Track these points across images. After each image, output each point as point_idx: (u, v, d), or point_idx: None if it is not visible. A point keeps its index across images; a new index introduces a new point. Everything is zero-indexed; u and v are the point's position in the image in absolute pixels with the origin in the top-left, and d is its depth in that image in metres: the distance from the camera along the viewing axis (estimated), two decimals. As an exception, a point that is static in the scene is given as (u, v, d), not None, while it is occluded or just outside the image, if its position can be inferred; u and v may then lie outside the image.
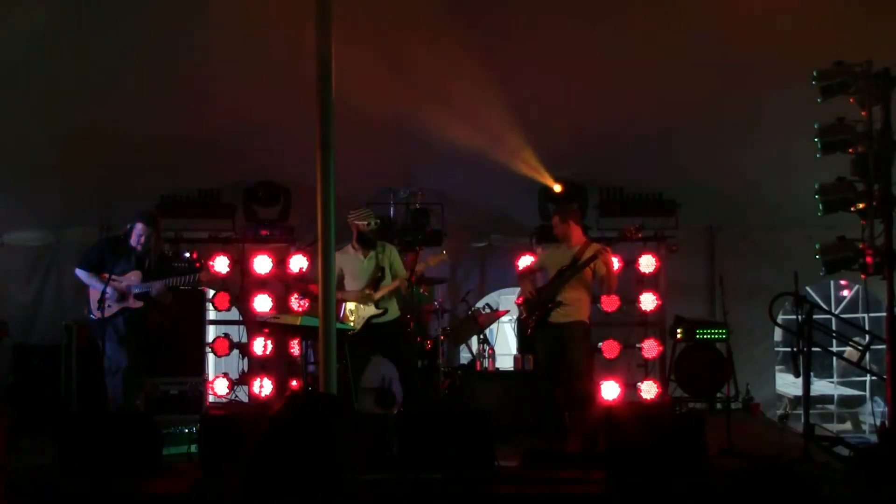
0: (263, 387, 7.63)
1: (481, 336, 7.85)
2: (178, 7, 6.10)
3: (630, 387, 7.78)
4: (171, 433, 5.88)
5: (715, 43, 6.32)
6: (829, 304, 10.03)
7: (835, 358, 9.46)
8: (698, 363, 7.88)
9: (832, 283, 9.94)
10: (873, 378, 8.83)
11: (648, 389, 7.75)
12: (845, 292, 10.19)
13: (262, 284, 8.07)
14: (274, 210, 8.25)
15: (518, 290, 7.29)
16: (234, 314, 8.59)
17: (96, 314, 6.25)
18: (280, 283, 8.08)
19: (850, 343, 8.21)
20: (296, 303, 7.59)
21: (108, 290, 6.14)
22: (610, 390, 7.55)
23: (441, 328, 7.53)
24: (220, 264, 7.83)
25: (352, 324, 6.53)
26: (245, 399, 8.14)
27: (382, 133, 7.38)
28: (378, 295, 6.57)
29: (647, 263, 7.92)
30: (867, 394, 9.71)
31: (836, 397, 9.95)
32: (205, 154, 7.64)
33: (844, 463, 5.60)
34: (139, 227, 6.38)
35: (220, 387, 7.92)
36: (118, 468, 5.16)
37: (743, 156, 7.68)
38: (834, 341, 8.11)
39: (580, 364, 6.43)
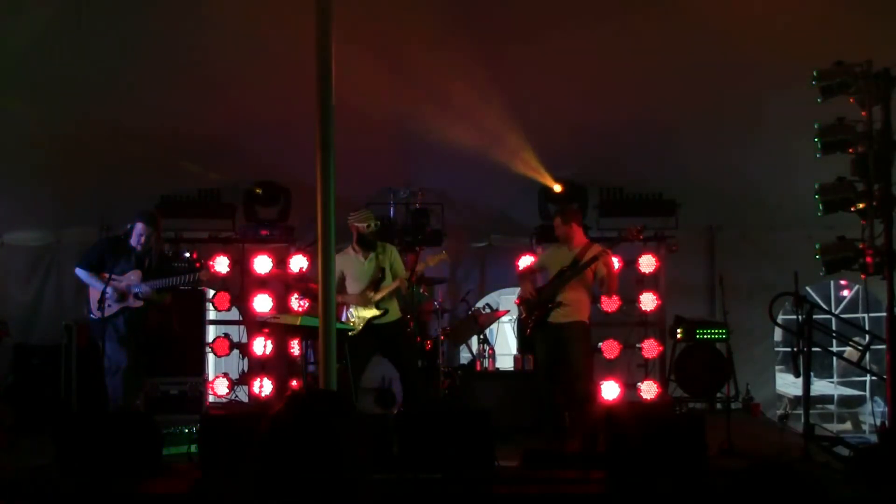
0: (263, 387, 7.63)
1: (481, 336, 7.85)
2: (178, 7, 6.10)
3: (630, 387, 7.78)
4: (171, 433, 5.88)
5: (715, 43, 6.32)
6: (829, 304, 10.04)
7: (835, 358, 9.46)
8: (698, 363, 7.88)
9: (832, 283, 9.95)
10: (873, 378, 8.84)
11: (648, 389, 7.75)
12: (845, 292, 10.19)
13: (262, 284, 8.07)
14: (274, 210, 8.25)
15: (518, 290, 7.29)
16: (234, 314, 8.60)
17: (96, 314, 6.25)
18: (280, 283, 8.08)
19: (850, 343, 8.21)
20: (296, 303, 7.59)
21: (108, 289, 6.14)
22: (610, 390, 7.55)
23: (441, 328, 7.53)
24: (220, 264, 7.83)
25: (352, 324, 6.53)
26: (245, 399, 8.13)
27: (382, 133, 7.38)
28: (378, 296, 6.56)
29: (647, 263, 7.91)
30: (867, 394, 9.72)
31: (836, 397, 9.96)
32: (205, 154, 7.65)
33: (844, 463, 5.59)
34: (139, 226, 6.38)
35: (220, 387, 7.92)
36: (118, 468, 5.16)
37: (743, 156, 7.68)
38: (834, 341, 8.11)
39: (580, 364, 6.43)
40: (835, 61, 5.70)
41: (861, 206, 5.69)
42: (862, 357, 7.29)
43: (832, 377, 10.17)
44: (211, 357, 8.37)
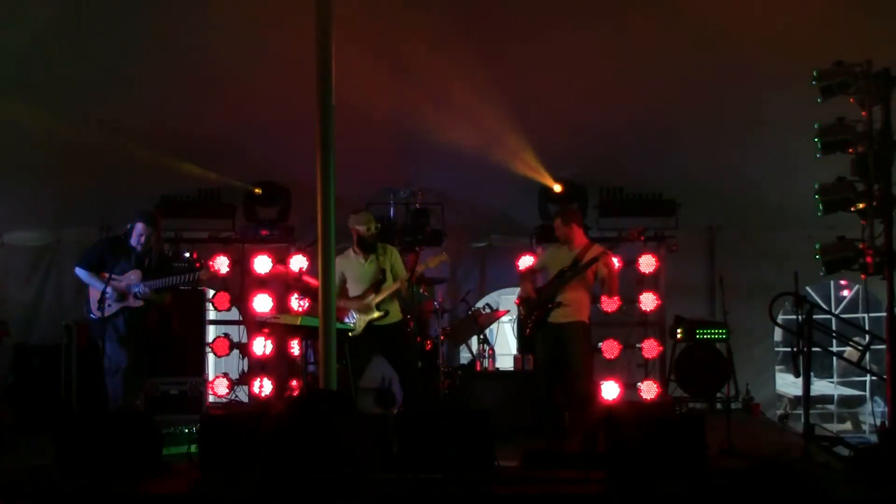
0: (263, 387, 7.62)
1: (481, 336, 7.85)
2: (178, 7, 6.10)
3: (630, 387, 7.78)
4: (171, 433, 5.88)
5: (715, 43, 6.32)
6: (829, 304, 10.04)
7: (835, 358, 9.46)
8: (698, 363, 7.88)
9: (832, 283, 9.95)
10: (873, 378, 8.84)
11: (648, 389, 7.75)
12: (845, 292, 10.19)
13: (263, 284, 8.07)
14: (274, 210, 8.25)
15: (518, 290, 7.29)
16: (235, 314, 8.60)
17: (96, 314, 6.25)
18: (280, 283, 8.08)
19: (850, 343, 8.21)
20: (296, 303, 7.59)
21: (108, 289, 6.14)
22: (610, 390, 7.55)
23: (441, 328, 7.53)
24: (220, 264, 7.82)
25: (353, 325, 6.53)
26: (245, 399, 8.13)
27: (382, 133, 7.37)
28: (379, 298, 6.55)
29: (647, 263, 7.91)
30: (867, 394, 9.72)
31: (836, 397, 9.95)
32: (205, 154, 7.64)
33: (844, 463, 5.59)
34: (139, 226, 6.38)
35: (220, 387, 7.92)
36: (118, 468, 5.16)
37: (743, 156, 7.68)
38: (834, 341, 8.11)
39: (580, 364, 6.44)
40: (835, 61, 5.70)
41: (861, 206, 5.69)
42: (862, 357, 7.28)
43: (832, 377, 10.17)
44: (211, 357, 8.37)
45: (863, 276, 5.77)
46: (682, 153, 7.76)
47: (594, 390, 7.04)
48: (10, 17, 6.12)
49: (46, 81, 6.73)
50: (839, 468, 5.51)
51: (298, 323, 6.01)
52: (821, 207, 5.82)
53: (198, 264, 7.33)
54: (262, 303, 7.97)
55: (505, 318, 8.62)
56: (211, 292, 8.06)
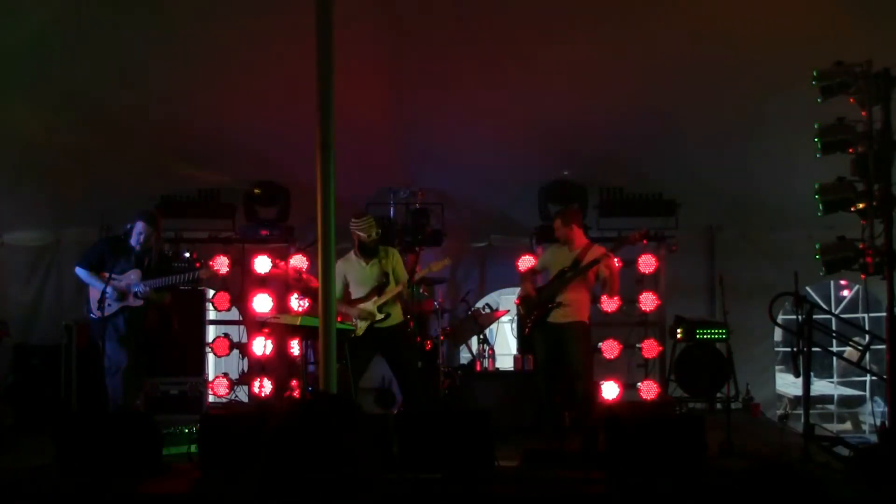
0: (263, 387, 7.63)
1: (481, 336, 7.85)
2: (179, 7, 6.10)
3: (630, 387, 7.78)
4: (171, 433, 5.88)
5: (715, 43, 6.32)
6: (829, 304, 10.03)
7: (835, 358, 9.45)
8: (698, 363, 7.88)
9: (832, 283, 9.94)
10: (873, 378, 8.84)
11: (648, 389, 7.74)
12: (845, 292, 10.19)
13: (263, 284, 8.07)
14: (273, 210, 8.25)
15: (519, 289, 7.29)
16: (235, 314, 8.59)
17: (96, 313, 6.25)
18: (280, 283, 8.07)
19: (850, 343, 8.21)
20: (296, 303, 7.59)
21: (108, 289, 6.14)
22: (610, 390, 7.55)
23: (441, 328, 7.53)
24: (220, 264, 7.82)
25: (354, 326, 6.52)
26: (245, 399, 8.13)
27: (382, 133, 7.37)
28: (380, 301, 6.53)
29: (646, 263, 7.91)
30: (867, 394, 9.71)
31: (836, 397, 9.95)
32: (205, 154, 7.65)
33: (844, 463, 5.59)
34: (139, 226, 6.38)
35: (220, 387, 7.92)
36: (118, 468, 5.17)
37: (743, 156, 7.68)
38: (834, 341, 8.10)
39: (580, 364, 6.43)
40: (835, 61, 5.70)
41: (861, 206, 5.69)
42: (862, 357, 7.28)
43: (832, 377, 10.17)
44: (211, 357, 8.37)
45: (863, 276, 5.77)
46: (683, 153, 7.76)
47: (594, 390, 7.04)
48: (10, 17, 6.12)
49: (46, 81, 6.73)
50: (839, 468, 5.51)
51: (298, 323, 6.00)
52: (821, 207, 5.82)
53: (198, 264, 7.33)
54: (262, 303, 7.96)
55: (505, 318, 8.62)
56: (211, 292, 8.06)
